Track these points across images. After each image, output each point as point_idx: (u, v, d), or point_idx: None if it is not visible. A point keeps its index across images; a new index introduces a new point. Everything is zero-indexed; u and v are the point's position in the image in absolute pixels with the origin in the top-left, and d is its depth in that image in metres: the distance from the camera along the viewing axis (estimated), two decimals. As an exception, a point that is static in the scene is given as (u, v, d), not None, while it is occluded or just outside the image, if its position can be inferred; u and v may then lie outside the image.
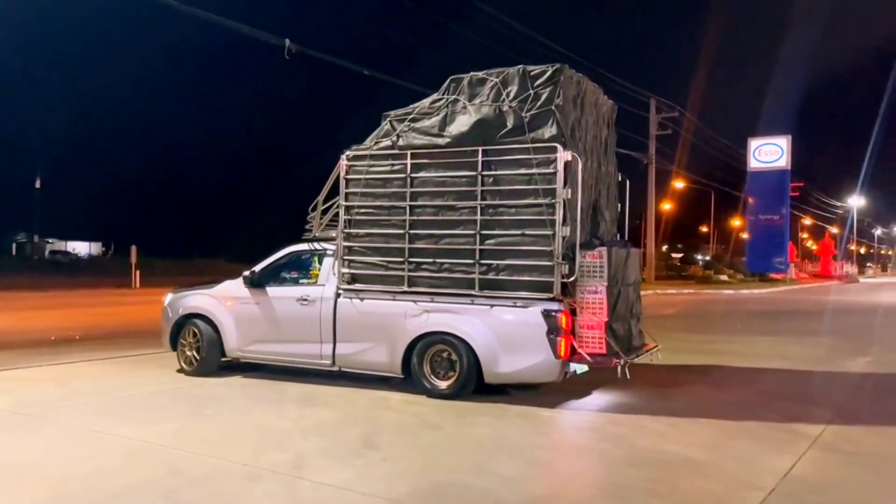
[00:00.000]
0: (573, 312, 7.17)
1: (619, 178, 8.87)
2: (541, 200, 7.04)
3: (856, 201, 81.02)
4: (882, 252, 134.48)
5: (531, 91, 7.19)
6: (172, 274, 41.56)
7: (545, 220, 7.01)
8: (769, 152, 44.30)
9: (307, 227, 8.80)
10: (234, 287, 8.88)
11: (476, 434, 6.16)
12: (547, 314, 7.02)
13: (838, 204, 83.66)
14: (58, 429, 6.21)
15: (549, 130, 7.05)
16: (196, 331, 8.91)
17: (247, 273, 8.70)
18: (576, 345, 7.14)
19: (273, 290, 8.64)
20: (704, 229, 78.38)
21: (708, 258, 64.95)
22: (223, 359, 8.87)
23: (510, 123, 7.21)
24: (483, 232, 7.35)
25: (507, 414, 6.89)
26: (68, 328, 14.33)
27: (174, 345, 9.15)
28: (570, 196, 7.01)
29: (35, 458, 5.36)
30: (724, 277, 42.00)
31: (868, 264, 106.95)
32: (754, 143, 45.05)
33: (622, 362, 7.09)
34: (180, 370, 9.05)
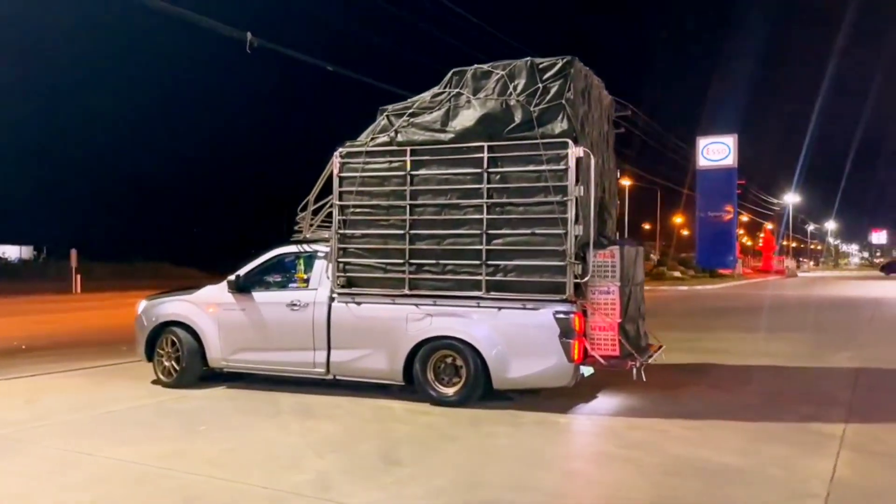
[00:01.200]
0: (584, 314, 6.93)
1: (618, 175, 8.67)
2: (552, 198, 6.76)
3: (791, 198, 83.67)
4: (812, 247, 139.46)
5: (540, 84, 6.91)
6: (114, 278, 40.14)
7: (556, 219, 6.73)
8: (717, 150, 45.28)
9: (296, 227, 8.34)
10: (216, 292, 8.36)
11: (498, 445, 5.84)
12: (559, 316, 6.75)
13: (775, 201, 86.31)
14: (41, 452, 5.64)
15: (560, 125, 6.77)
16: (175, 339, 8.35)
17: (231, 277, 8.19)
18: (588, 347, 6.90)
19: (260, 295, 8.15)
20: (647, 226, 79.75)
21: (654, 256, 66.21)
22: (204, 368, 8.34)
23: (518, 118, 6.91)
24: (490, 231, 7.02)
25: (522, 421, 6.59)
26: (11, 337, 13.42)
27: (150, 355, 8.57)
28: (582, 193, 6.76)
29: (24, 488, 4.82)
30: (676, 274, 42.67)
31: (801, 259, 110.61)
32: (703, 142, 45.97)
33: (637, 364, 6.87)
34: (156, 381, 8.49)
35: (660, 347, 7.94)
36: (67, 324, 17.30)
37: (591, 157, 6.87)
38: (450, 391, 7.16)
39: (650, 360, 7.27)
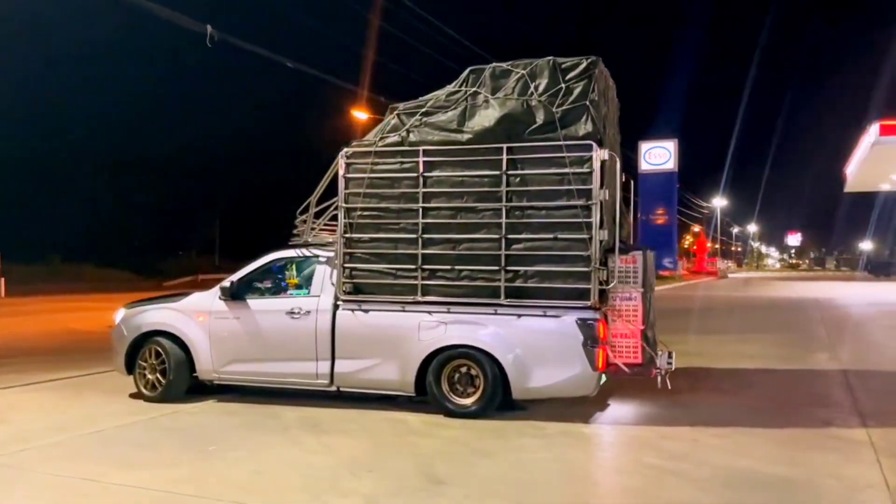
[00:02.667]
0: (607, 321, 6.76)
1: (624, 179, 8.54)
2: (575, 202, 6.56)
3: (719, 202, 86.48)
4: (733, 249, 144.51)
5: (563, 85, 6.69)
6: (39, 280, 38.17)
7: (581, 223, 6.53)
8: (658, 155, 46.33)
9: (295, 231, 7.89)
10: (206, 300, 7.84)
11: (536, 459, 5.59)
12: (583, 323, 6.55)
13: (704, 203, 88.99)
14: (41, 480, 5.09)
15: (584, 127, 6.57)
16: (160, 350, 7.78)
17: (225, 284, 7.69)
18: (610, 355, 6.73)
19: (256, 303, 7.67)
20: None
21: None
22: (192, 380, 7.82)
23: (540, 119, 6.68)
24: (509, 236, 6.77)
25: (547, 433, 6.36)
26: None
27: (130, 367, 7.97)
28: (607, 197, 6.58)
29: (38, 523, 4.30)
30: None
31: (726, 260, 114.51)
32: (645, 146, 46.95)
33: (662, 371, 6.74)
34: (135, 395, 7.93)
35: (670, 353, 7.84)
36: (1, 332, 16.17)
37: (617, 159, 6.71)
38: (467, 402, 6.87)
39: (672, 367, 7.13)
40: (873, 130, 28.10)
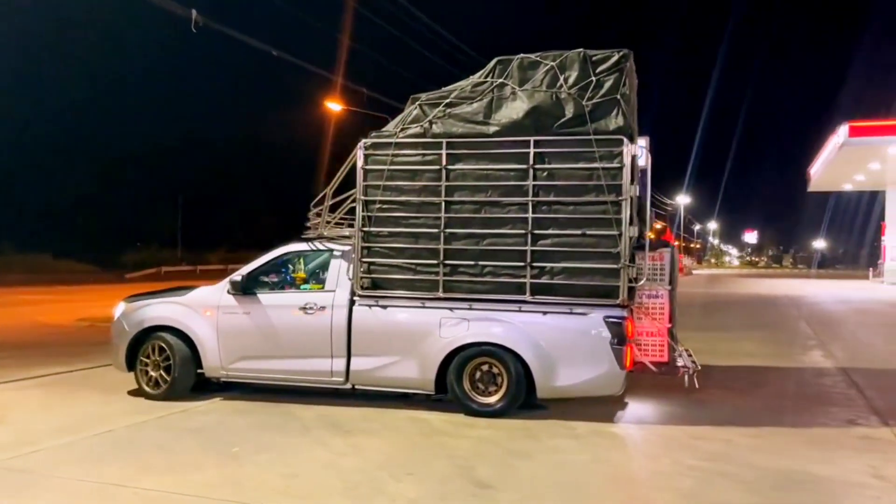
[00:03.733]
0: (633, 319, 6.66)
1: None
2: (604, 198, 6.44)
3: (683, 199, 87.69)
4: (693, 246, 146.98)
5: (593, 78, 6.56)
6: (-4, 271, 36.97)
7: (610, 220, 6.41)
8: (630, 152, 46.64)
9: (308, 224, 7.64)
10: (213, 294, 7.55)
11: (577, 461, 5.46)
12: (611, 321, 6.44)
13: (668, 201, 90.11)
14: (63, 486, 4.80)
15: (615, 121, 6.45)
16: (164, 346, 7.47)
17: (235, 277, 7.41)
18: (637, 353, 6.64)
19: (267, 298, 7.40)
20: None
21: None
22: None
23: (570, 112, 6.54)
24: (535, 231, 6.62)
25: (578, 433, 6.24)
26: None
27: (131, 364, 7.64)
28: (637, 193, 6.48)
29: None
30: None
31: (690, 257, 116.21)
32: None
33: (690, 371, 6.67)
34: (134, 392, 7.66)
35: (689, 352, 7.79)
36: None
37: (649, 156, 6.60)
38: (490, 400, 6.72)
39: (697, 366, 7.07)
40: (842, 132, 28.76)
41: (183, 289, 7.94)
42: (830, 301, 24.44)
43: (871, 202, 54.54)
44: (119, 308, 7.89)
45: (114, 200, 62.90)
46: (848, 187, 44.28)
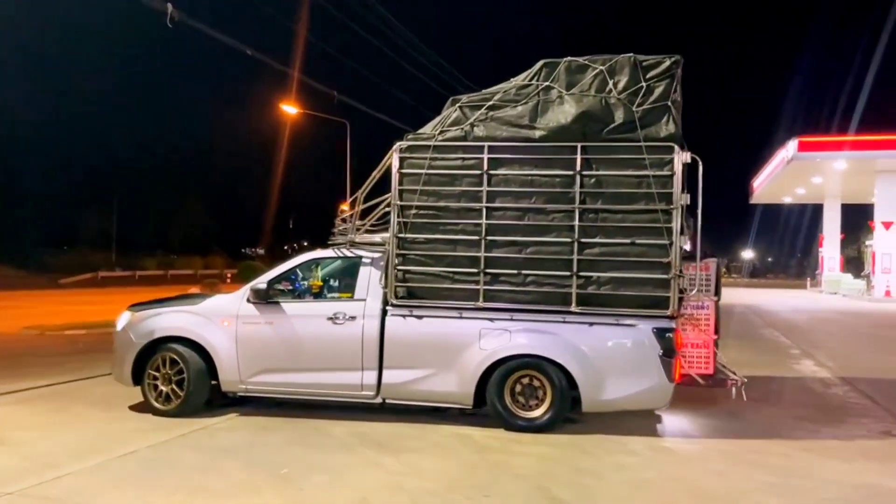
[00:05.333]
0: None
1: None
2: (654, 206, 6.28)
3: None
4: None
5: (643, 84, 6.40)
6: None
7: (661, 228, 6.26)
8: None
9: (335, 230, 7.26)
10: (231, 302, 7.08)
11: (651, 479, 5.26)
12: (661, 333, 6.29)
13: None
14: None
15: (666, 128, 6.31)
16: (176, 358, 6.97)
17: (260, 285, 6.95)
18: (684, 365, 6.50)
19: (292, 307, 6.98)
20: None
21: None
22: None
23: (619, 118, 6.37)
24: (582, 240, 6.42)
25: (633, 449, 6.04)
26: None
27: (137, 377, 7.10)
28: (688, 202, 6.35)
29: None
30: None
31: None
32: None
33: (738, 382, 6.56)
34: (136, 407, 7.24)
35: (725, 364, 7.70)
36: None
37: (700, 163, 6.48)
38: (534, 415, 6.47)
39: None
40: (791, 146, 29.69)
41: (194, 297, 7.46)
42: (786, 310, 25.08)
43: (801, 214, 56.71)
44: (123, 317, 7.34)
45: (43, 202, 60.12)
46: (788, 200, 45.90)
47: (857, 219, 52.55)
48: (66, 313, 19.51)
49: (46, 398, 8.00)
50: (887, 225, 31.03)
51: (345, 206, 7.24)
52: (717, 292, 6.71)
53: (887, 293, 30.32)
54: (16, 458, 5.56)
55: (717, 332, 6.65)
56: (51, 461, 5.43)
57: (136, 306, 7.48)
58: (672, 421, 7.04)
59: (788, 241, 70.45)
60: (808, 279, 46.83)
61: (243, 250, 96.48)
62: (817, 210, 42.52)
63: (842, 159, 29.54)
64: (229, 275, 41.04)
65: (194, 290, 21.92)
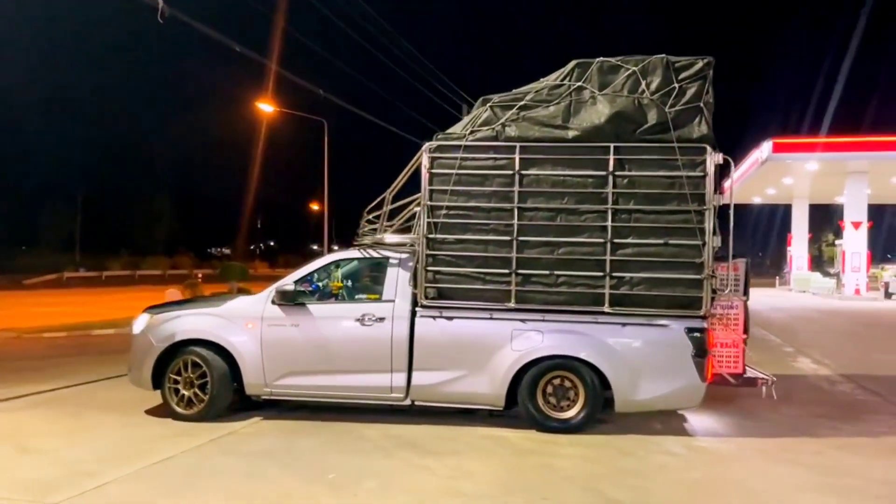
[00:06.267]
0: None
1: None
2: (687, 206, 6.31)
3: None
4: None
5: (676, 85, 6.42)
6: None
7: (693, 229, 6.30)
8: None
9: (360, 231, 7.16)
10: (255, 304, 6.94)
11: (699, 480, 5.29)
12: (693, 333, 6.32)
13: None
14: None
15: (699, 129, 6.35)
16: (199, 362, 6.82)
17: (287, 286, 6.83)
18: (715, 365, 6.55)
19: (318, 308, 6.87)
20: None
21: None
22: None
23: (652, 119, 6.38)
24: (615, 240, 6.42)
25: (671, 450, 6.06)
26: None
27: (157, 381, 6.93)
28: (721, 202, 6.39)
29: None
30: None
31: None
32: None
33: (769, 382, 6.63)
34: (152, 412, 7.16)
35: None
36: None
37: (732, 164, 6.53)
38: (568, 415, 6.47)
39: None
40: (766, 147, 30.19)
41: (215, 298, 7.30)
42: (764, 308, 25.42)
43: (771, 214, 57.84)
44: (141, 320, 7.15)
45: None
46: (758, 200, 46.70)
47: (820, 219, 53.96)
48: (37, 315, 19.06)
49: (55, 403, 7.78)
50: (857, 225, 31.75)
51: (371, 210, 7.09)
52: (746, 292, 6.77)
53: (857, 291, 31.01)
54: (48, 466, 5.39)
55: (746, 331, 6.71)
56: (86, 469, 5.27)
57: (153, 308, 7.31)
58: (698, 420, 7.08)
59: (760, 240, 71.59)
60: (777, 277, 47.69)
61: (209, 250, 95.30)
62: (787, 210, 43.33)
63: (814, 160, 30.09)
64: (200, 275, 40.34)
65: (173, 290, 21.63)
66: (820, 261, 58.88)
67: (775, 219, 55.48)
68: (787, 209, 41.24)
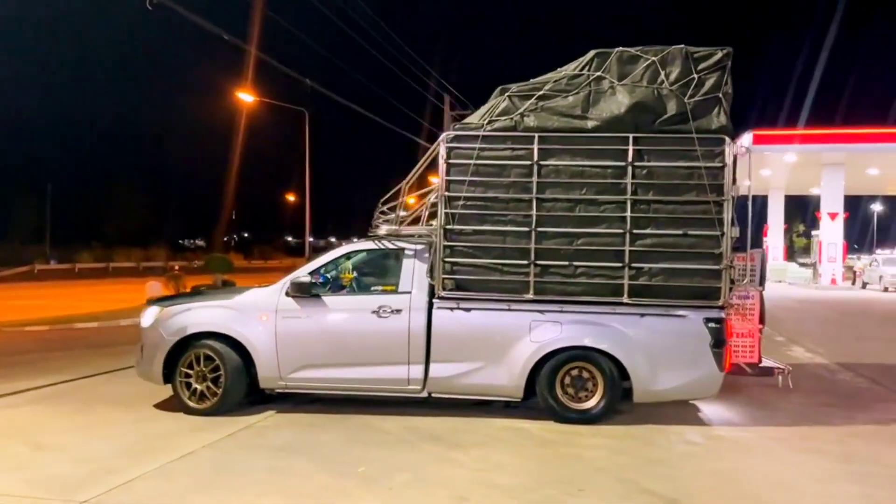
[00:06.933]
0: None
1: None
2: (706, 197, 6.32)
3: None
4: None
5: (695, 75, 6.42)
6: None
7: (712, 219, 6.31)
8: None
9: (375, 222, 7.07)
10: (269, 297, 6.83)
11: (728, 470, 5.29)
12: (711, 323, 6.35)
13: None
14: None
15: (717, 120, 6.35)
16: (211, 355, 6.70)
17: (302, 278, 6.73)
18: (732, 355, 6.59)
19: (333, 300, 6.79)
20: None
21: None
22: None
23: (672, 109, 6.37)
24: (634, 231, 6.42)
25: (690, 438, 6.11)
26: None
27: (167, 375, 6.80)
28: (739, 193, 6.42)
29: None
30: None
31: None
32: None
33: (785, 371, 6.68)
34: (161, 405, 7.06)
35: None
36: None
37: (750, 154, 6.55)
38: (587, 406, 6.47)
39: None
40: (746, 139, 30.50)
41: (228, 290, 7.16)
42: (744, 298, 25.87)
43: (741, 204, 58.49)
44: (150, 313, 7.00)
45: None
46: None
47: (793, 209, 54.75)
48: (14, 309, 18.63)
49: (58, 398, 7.61)
50: (833, 216, 32.27)
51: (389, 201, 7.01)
52: (762, 282, 6.81)
53: (833, 281, 31.56)
54: (68, 463, 5.25)
55: (762, 321, 6.76)
56: (108, 466, 5.15)
57: (162, 301, 7.17)
58: (710, 410, 7.13)
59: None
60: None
61: (181, 241, 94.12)
62: (763, 201, 43.88)
63: (792, 152, 30.52)
64: (177, 267, 39.81)
65: (153, 282, 21.31)
66: (791, 251, 59.73)
67: (750, 210, 56.05)
68: (763, 200, 41.72)
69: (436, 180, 6.88)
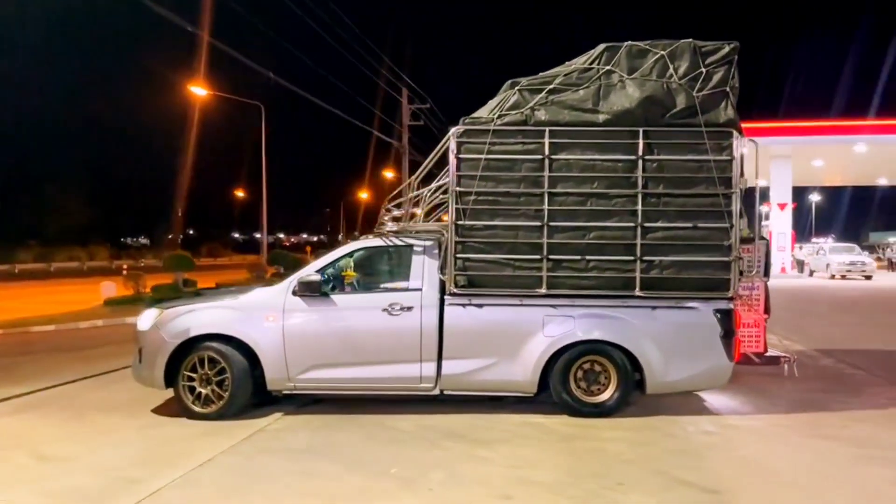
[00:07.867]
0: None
1: None
2: (715, 190, 6.41)
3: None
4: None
5: (703, 69, 6.48)
6: None
7: (721, 212, 6.40)
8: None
9: (384, 218, 6.94)
10: (276, 296, 6.65)
11: (753, 458, 5.37)
12: (721, 314, 6.44)
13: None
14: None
15: (725, 114, 6.43)
16: (216, 358, 6.50)
17: (310, 276, 6.57)
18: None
19: (342, 298, 6.65)
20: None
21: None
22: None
23: (681, 103, 6.42)
24: (645, 224, 6.46)
25: (706, 429, 6.18)
26: None
27: (170, 379, 6.57)
28: (746, 186, 6.51)
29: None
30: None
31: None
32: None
33: (791, 360, 6.82)
34: (159, 410, 6.86)
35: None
36: None
37: (756, 146, 6.65)
38: (601, 398, 6.50)
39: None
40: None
41: (230, 291, 6.95)
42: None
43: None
44: (148, 316, 6.74)
45: None
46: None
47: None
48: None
49: (45, 406, 7.28)
50: (782, 206, 33.26)
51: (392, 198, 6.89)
52: (767, 273, 6.95)
53: (783, 269, 32.52)
54: (80, 474, 5.02)
55: (767, 311, 6.89)
56: (126, 476, 4.95)
57: (163, 303, 6.92)
58: (714, 399, 7.23)
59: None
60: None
61: (123, 239, 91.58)
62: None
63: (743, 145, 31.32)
64: (125, 267, 38.69)
65: (108, 283, 20.67)
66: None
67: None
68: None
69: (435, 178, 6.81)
